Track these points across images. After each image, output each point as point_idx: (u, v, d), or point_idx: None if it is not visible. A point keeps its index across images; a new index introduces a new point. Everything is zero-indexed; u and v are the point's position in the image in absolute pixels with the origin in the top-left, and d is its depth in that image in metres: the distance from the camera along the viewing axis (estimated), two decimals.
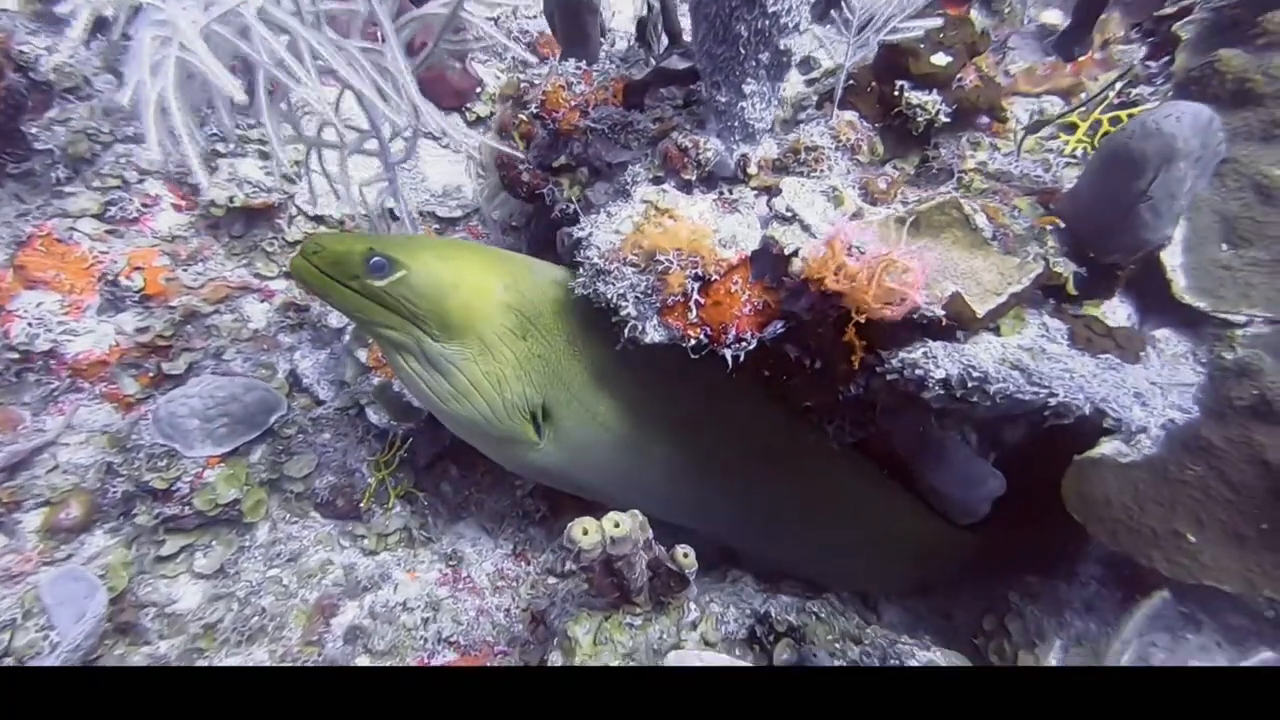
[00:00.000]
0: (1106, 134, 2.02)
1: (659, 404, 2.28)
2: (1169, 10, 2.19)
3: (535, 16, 3.80)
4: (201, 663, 2.54)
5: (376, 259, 1.98)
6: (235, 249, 3.17)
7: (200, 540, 2.76)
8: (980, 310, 1.65)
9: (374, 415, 2.79)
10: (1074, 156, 2.02)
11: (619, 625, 2.02)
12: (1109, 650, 1.85)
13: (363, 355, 2.80)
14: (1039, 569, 2.31)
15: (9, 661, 2.35)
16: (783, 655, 2.04)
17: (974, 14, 2.42)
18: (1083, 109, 2.04)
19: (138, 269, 2.95)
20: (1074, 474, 1.84)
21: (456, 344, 2.08)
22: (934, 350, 1.72)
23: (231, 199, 3.05)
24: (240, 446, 2.79)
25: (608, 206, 2.07)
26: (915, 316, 1.66)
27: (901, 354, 1.75)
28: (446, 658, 2.57)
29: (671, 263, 1.85)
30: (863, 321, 1.68)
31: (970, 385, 1.67)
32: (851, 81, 2.07)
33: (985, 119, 2.18)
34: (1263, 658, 1.82)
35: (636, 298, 1.92)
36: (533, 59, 2.09)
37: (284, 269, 3.17)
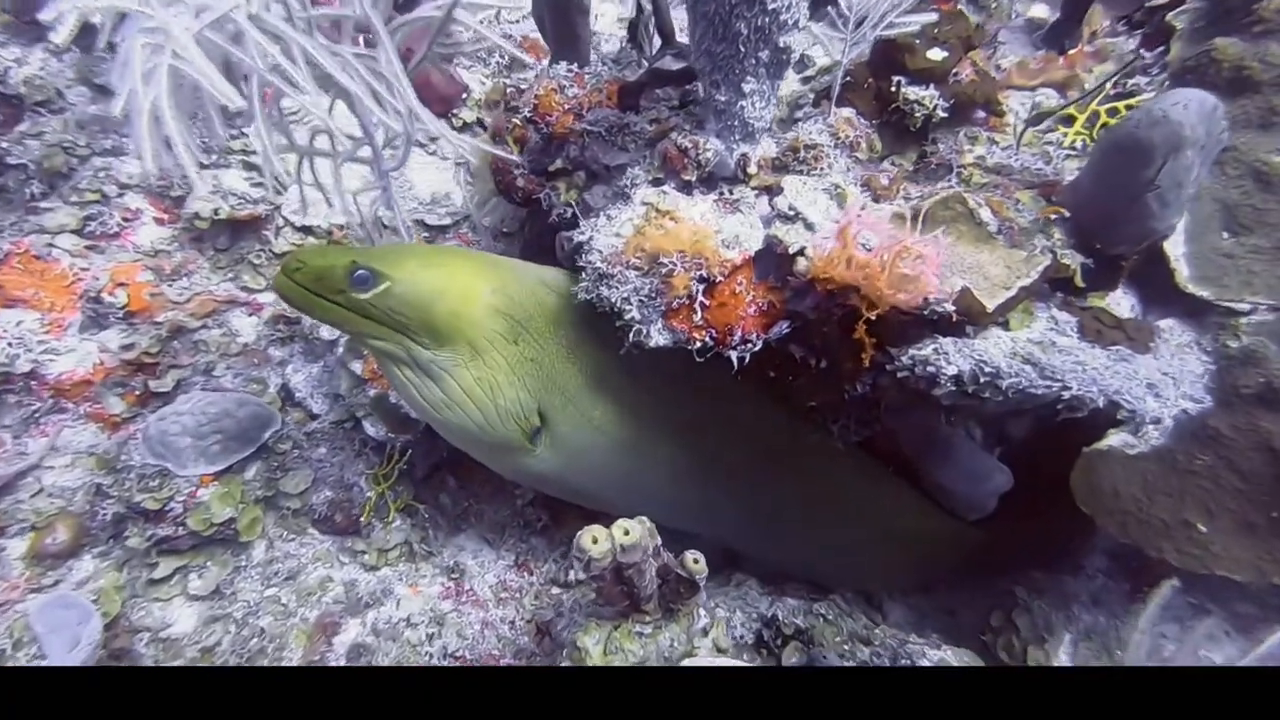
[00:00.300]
0: (1105, 125, 2.03)
1: (658, 406, 2.26)
2: (1160, 1, 2.20)
3: (517, 21, 3.78)
4: None
5: (360, 272, 1.96)
6: (221, 262, 3.10)
7: (194, 561, 2.69)
8: (990, 305, 1.64)
9: (371, 428, 2.74)
10: (1073, 148, 2.03)
11: (629, 634, 1.99)
12: (1129, 644, 1.84)
13: (357, 367, 2.75)
14: (1044, 563, 2.31)
15: None
16: (792, 659, 2.03)
17: (962, 9, 2.43)
18: (1085, 100, 2.04)
19: (121, 285, 2.88)
20: (1082, 466, 1.84)
21: (447, 351, 2.06)
22: (944, 346, 1.71)
23: (216, 211, 2.98)
24: (234, 464, 2.73)
25: (607, 209, 2.05)
26: (926, 312, 1.65)
27: (912, 351, 1.74)
28: None
29: (675, 265, 1.83)
30: (873, 318, 1.67)
31: (983, 381, 1.66)
32: (848, 78, 2.06)
33: (982, 113, 2.18)
34: (1274, 641, 1.82)
35: (640, 301, 1.89)
36: (528, 60, 2.05)
37: (271, 281, 3.10)
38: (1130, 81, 2.13)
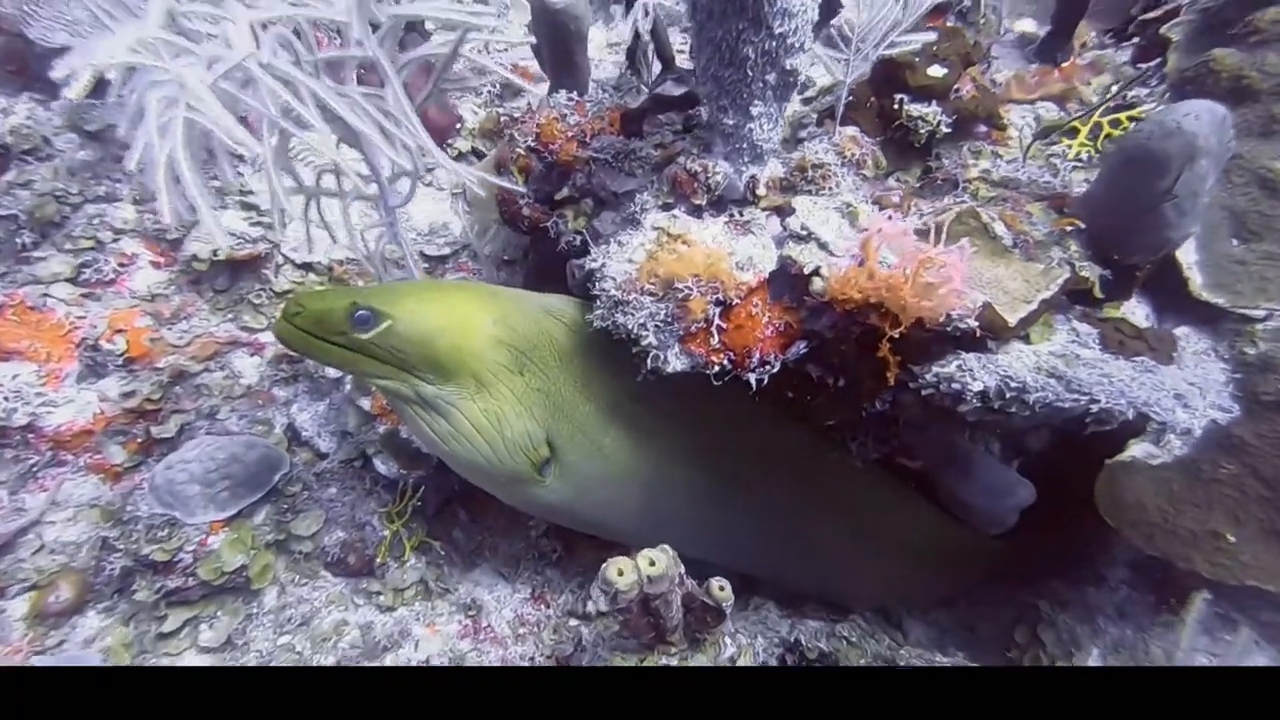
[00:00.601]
0: (1109, 137, 2.04)
1: (671, 430, 2.23)
2: (1154, 14, 2.23)
3: (505, 49, 3.78)
4: None
5: (361, 312, 1.95)
6: (220, 303, 3.06)
7: (204, 612, 2.62)
8: (1012, 319, 1.64)
9: (382, 465, 2.70)
10: (1079, 160, 2.04)
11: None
12: (1173, 661, 1.83)
13: (365, 403, 2.71)
14: (1064, 575, 2.30)
15: None
16: None
17: (959, 26, 2.45)
18: (1091, 112, 2.06)
19: (119, 331, 2.83)
20: (1106, 478, 1.83)
21: (452, 385, 2.05)
22: (968, 362, 1.70)
23: (215, 252, 2.95)
24: (244, 509, 2.67)
25: (618, 236, 2.04)
26: (949, 329, 1.64)
27: (935, 368, 1.73)
28: None
29: (691, 289, 1.82)
30: (896, 336, 1.66)
31: (1009, 396, 1.65)
32: (850, 97, 2.07)
33: (984, 127, 2.20)
34: None
35: (657, 326, 1.88)
36: (532, 89, 2.05)
37: (273, 321, 3.07)
38: (1130, 94, 2.15)
